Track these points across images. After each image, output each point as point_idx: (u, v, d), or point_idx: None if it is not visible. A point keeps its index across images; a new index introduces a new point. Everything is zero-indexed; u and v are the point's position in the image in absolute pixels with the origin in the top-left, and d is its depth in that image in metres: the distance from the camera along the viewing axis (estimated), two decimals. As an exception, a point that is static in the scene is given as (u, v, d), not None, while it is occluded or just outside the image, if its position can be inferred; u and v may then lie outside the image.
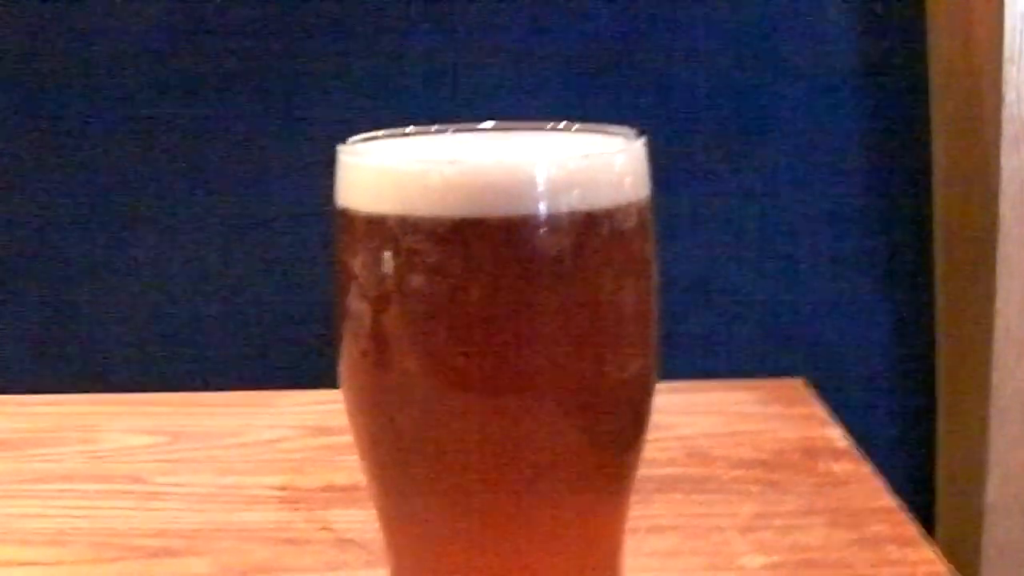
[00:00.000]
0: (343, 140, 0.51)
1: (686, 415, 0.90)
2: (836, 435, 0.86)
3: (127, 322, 1.12)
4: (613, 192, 0.48)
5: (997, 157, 1.00)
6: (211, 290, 1.11)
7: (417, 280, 0.46)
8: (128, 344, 1.12)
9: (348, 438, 0.54)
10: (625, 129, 0.51)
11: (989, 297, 1.01)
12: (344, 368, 0.51)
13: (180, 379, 1.10)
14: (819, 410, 0.91)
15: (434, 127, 0.53)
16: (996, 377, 1.02)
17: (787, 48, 1.09)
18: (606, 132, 0.52)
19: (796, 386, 0.96)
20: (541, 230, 0.46)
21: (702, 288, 1.11)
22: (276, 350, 1.12)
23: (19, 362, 1.13)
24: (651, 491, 0.76)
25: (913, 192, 1.11)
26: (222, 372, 1.11)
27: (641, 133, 0.51)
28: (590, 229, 0.47)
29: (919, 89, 1.10)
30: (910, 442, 1.14)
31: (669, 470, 0.80)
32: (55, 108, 1.10)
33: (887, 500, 0.76)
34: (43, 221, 1.11)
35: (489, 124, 0.54)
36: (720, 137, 1.10)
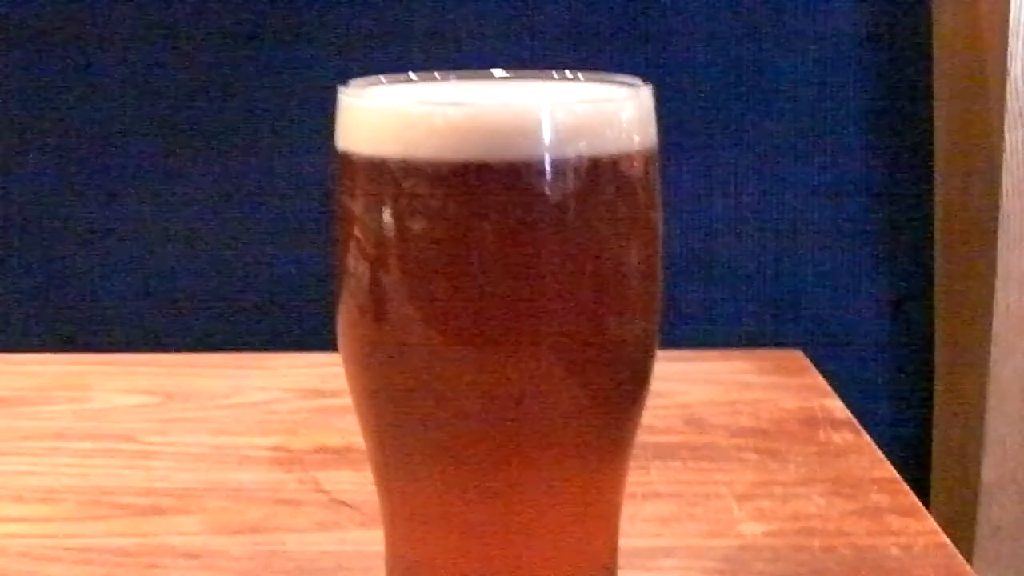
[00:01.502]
0: (333, 103, 0.50)
1: (685, 383, 0.89)
2: (836, 406, 0.86)
3: (121, 284, 1.11)
4: (619, 139, 0.47)
5: (1000, 131, 0.99)
6: (205, 252, 1.11)
7: (418, 225, 0.45)
8: (122, 306, 1.11)
9: (342, 400, 0.53)
10: (632, 78, 0.50)
11: (989, 272, 1.01)
12: (341, 320, 0.50)
13: (174, 341, 1.09)
14: (818, 381, 0.91)
15: (437, 73, 0.52)
16: (995, 353, 1.02)
17: (789, 19, 1.08)
18: (613, 81, 0.51)
19: (795, 357, 0.96)
20: (546, 175, 0.45)
21: (701, 259, 1.11)
22: (271, 313, 1.11)
23: (12, 322, 1.12)
24: (649, 458, 0.75)
25: (914, 165, 1.10)
26: (216, 334, 1.10)
27: (647, 83, 0.50)
28: (595, 176, 0.46)
29: (922, 61, 1.09)
30: (907, 417, 1.14)
31: (667, 437, 0.80)
32: (47, 68, 1.09)
33: (887, 470, 0.75)
34: (37, 182, 1.10)
35: (495, 71, 0.53)
36: (721, 108, 1.10)
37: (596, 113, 0.47)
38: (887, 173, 1.10)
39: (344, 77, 0.50)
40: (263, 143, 1.09)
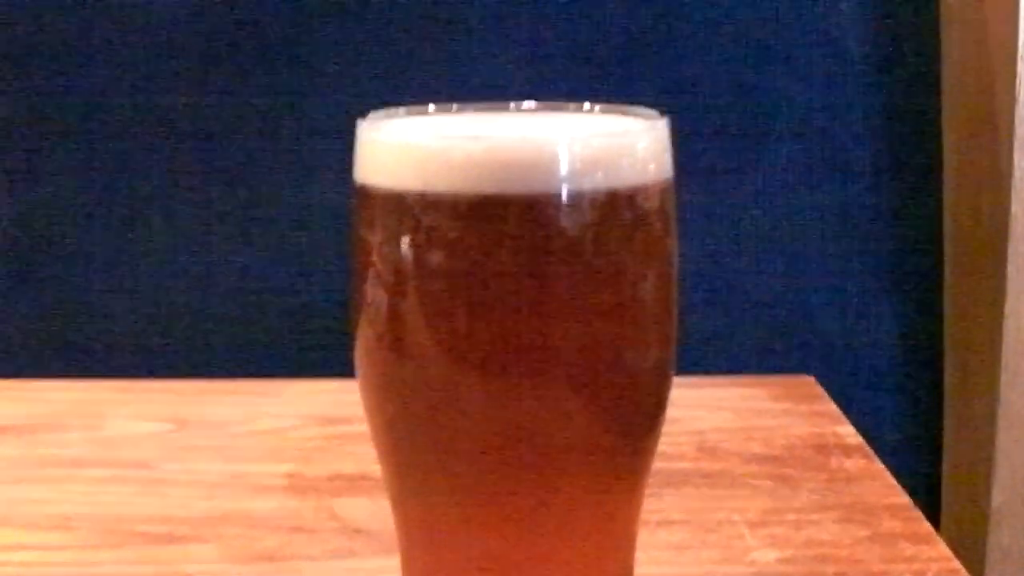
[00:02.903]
0: (353, 128, 0.50)
1: (696, 410, 0.89)
2: (848, 432, 0.86)
3: (136, 310, 1.11)
4: (636, 172, 0.47)
5: (1009, 155, 0.99)
6: (220, 278, 1.11)
7: (436, 258, 0.45)
8: (136, 332, 1.12)
9: (357, 427, 0.53)
10: (648, 110, 0.50)
11: (999, 297, 1.01)
12: (359, 349, 0.50)
13: (188, 368, 1.10)
14: (830, 407, 0.91)
15: (455, 105, 0.52)
16: (1004, 378, 1.02)
17: (797, 43, 1.09)
18: (629, 112, 0.52)
19: (807, 383, 0.96)
20: (563, 208, 0.45)
21: (709, 285, 1.11)
22: (286, 340, 1.11)
23: (28, 348, 1.12)
24: (662, 485, 0.76)
25: (923, 190, 1.10)
26: (230, 361, 1.11)
27: (664, 114, 0.50)
28: (612, 208, 0.46)
29: (930, 85, 1.09)
30: (916, 442, 1.14)
31: (680, 464, 0.80)
32: (64, 94, 1.09)
33: (900, 497, 0.75)
34: (53, 208, 1.11)
35: (512, 103, 0.53)
36: (728, 132, 1.10)
37: (613, 146, 0.47)
38: (896, 198, 1.11)
39: (359, 105, 0.51)
40: (279, 171, 1.10)
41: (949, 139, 1.09)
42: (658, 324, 0.50)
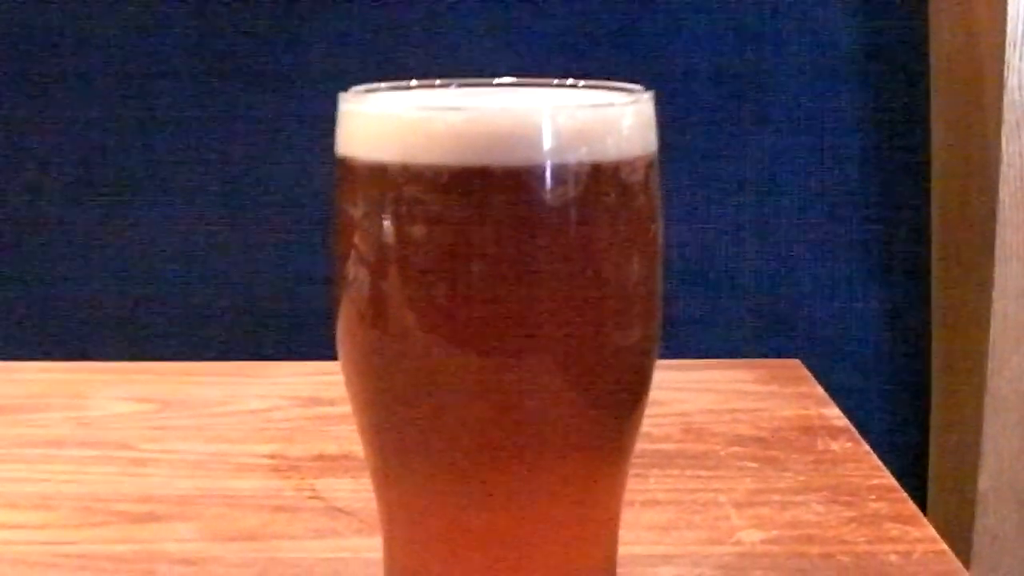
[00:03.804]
0: (334, 114, 0.50)
1: (683, 392, 0.89)
2: (834, 414, 0.86)
3: (117, 291, 1.11)
4: (620, 145, 0.47)
5: (997, 143, 0.99)
6: (204, 259, 1.10)
7: (418, 231, 0.45)
8: (118, 313, 1.11)
9: (340, 409, 0.53)
10: (633, 85, 0.50)
11: (986, 284, 1.01)
12: (341, 327, 0.50)
13: (171, 350, 1.09)
14: (816, 390, 0.90)
15: (438, 80, 0.52)
16: (991, 364, 1.02)
17: (786, 31, 1.09)
18: (614, 87, 0.51)
19: (794, 366, 0.96)
20: (546, 181, 0.44)
21: (698, 270, 1.11)
22: (268, 321, 1.11)
23: (8, 329, 1.12)
24: (647, 466, 0.75)
25: (912, 177, 1.11)
26: (213, 341, 1.10)
27: (648, 89, 0.49)
28: (596, 182, 0.46)
29: (919, 73, 1.09)
30: (903, 428, 1.14)
31: (665, 445, 0.79)
32: (47, 76, 1.09)
33: (886, 478, 0.75)
34: (36, 189, 1.10)
35: (495, 78, 0.53)
36: (718, 120, 1.10)
37: (597, 119, 0.47)
38: (884, 184, 1.11)
39: (343, 83, 0.50)
40: (260, 150, 1.09)
41: (937, 126, 1.09)
42: (642, 300, 0.49)
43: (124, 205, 1.10)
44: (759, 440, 0.81)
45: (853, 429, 0.82)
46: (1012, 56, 0.98)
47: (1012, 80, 0.99)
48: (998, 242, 1.01)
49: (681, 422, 0.83)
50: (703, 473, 0.76)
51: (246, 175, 1.09)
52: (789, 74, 1.09)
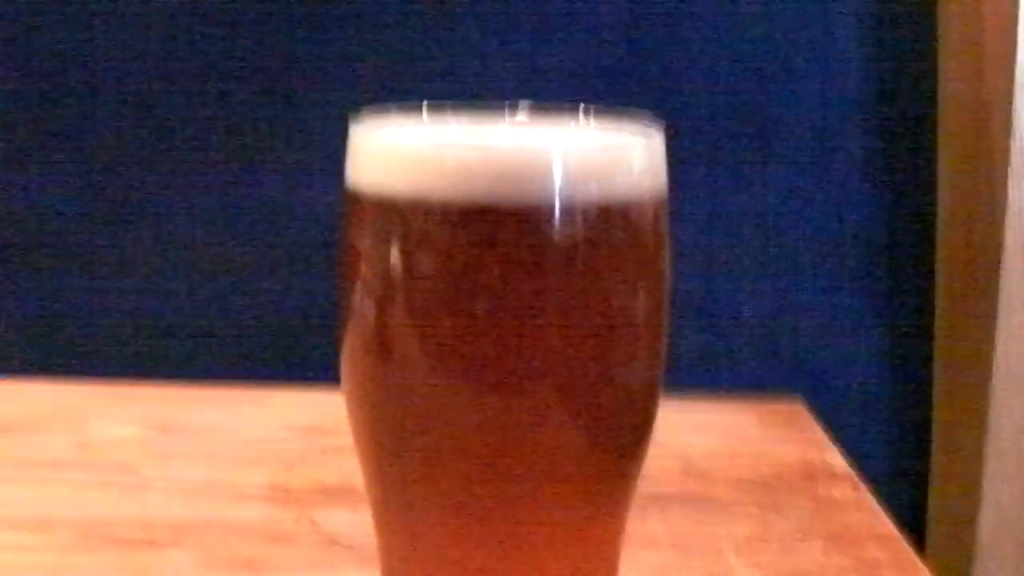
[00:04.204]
0: (346, 133, 0.50)
1: (684, 432, 0.89)
2: (836, 459, 0.85)
3: (122, 313, 1.11)
4: (631, 186, 0.47)
5: (1004, 186, 0.99)
6: (208, 283, 1.10)
7: (425, 265, 0.45)
8: (124, 335, 1.11)
9: (341, 440, 0.52)
10: (643, 118, 0.50)
11: (989, 328, 1.01)
12: (346, 355, 0.50)
13: (173, 372, 1.09)
14: (819, 434, 0.90)
15: (449, 109, 0.52)
16: (993, 410, 1.01)
17: (796, 68, 1.09)
18: (625, 122, 0.51)
19: (797, 408, 0.95)
20: (555, 220, 0.44)
21: (701, 304, 1.11)
22: (273, 346, 1.11)
23: (10, 349, 1.11)
24: (647, 507, 0.75)
25: (917, 217, 1.10)
26: (216, 366, 1.10)
27: (660, 124, 0.49)
28: (605, 222, 0.46)
29: (927, 115, 1.09)
30: (903, 471, 1.13)
31: (666, 487, 0.79)
32: (55, 97, 1.09)
33: (886, 526, 0.75)
34: (40, 208, 1.10)
35: (508, 109, 0.53)
36: (725, 154, 1.09)
37: (608, 158, 0.46)
38: (889, 224, 1.10)
39: (355, 105, 0.50)
40: (270, 174, 1.09)
41: (944, 169, 1.09)
42: (648, 340, 0.49)
43: (128, 225, 1.10)
44: (760, 484, 0.81)
45: (855, 475, 0.82)
46: (1020, 100, 0.98)
47: (1020, 124, 0.98)
48: (1002, 288, 1.00)
49: (682, 463, 0.83)
50: (703, 516, 0.75)
51: (252, 198, 1.09)
52: (797, 112, 1.09)
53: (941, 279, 1.10)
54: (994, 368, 1.01)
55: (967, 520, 1.05)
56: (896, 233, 1.10)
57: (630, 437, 0.51)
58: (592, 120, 0.52)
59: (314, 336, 1.08)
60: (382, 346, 0.47)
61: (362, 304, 0.47)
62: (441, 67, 1.08)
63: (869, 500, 0.78)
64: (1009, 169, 0.99)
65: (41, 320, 1.11)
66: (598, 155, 0.46)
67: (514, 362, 0.45)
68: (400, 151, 0.46)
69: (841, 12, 1.08)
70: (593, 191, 0.45)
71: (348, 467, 0.53)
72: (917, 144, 1.10)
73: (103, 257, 1.10)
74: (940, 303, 1.10)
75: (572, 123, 0.52)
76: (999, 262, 1.00)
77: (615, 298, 0.47)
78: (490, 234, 0.44)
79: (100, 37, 1.08)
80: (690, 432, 0.89)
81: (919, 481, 1.13)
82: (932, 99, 1.09)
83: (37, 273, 1.11)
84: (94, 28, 1.08)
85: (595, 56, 1.08)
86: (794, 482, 0.81)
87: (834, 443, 0.88)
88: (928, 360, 1.12)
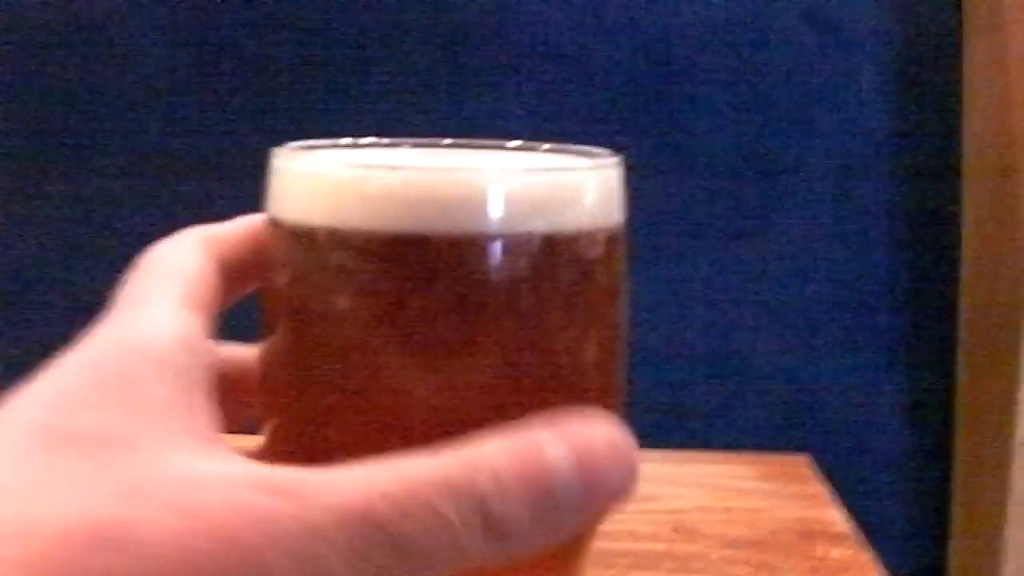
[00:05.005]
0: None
1: (678, 487, 0.84)
2: (837, 518, 0.81)
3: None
4: (580, 216, 0.42)
5: None
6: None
7: (345, 303, 0.40)
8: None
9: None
10: (600, 150, 0.45)
11: (1013, 385, 0.99)
12: (264, 388, 0.45)
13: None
14: (821, 490, 0.86)
15: (387, 140, 0.47)
16: (1016, 469, 0.98)
17: (815, 112, 1.07)
18: (578, 153, 0.46)
19: (799, 463, 0.91)
20: (492, 253, 0.40)
21: (714, 359, 1.08)
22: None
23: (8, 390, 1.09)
24: (628, 567, 0.70)
25: (939, 272, 1.08)
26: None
27: (618, 153, 0.45)
28: (550, 256, 0.41)
29: (951, 162, 1.06)
30: (922, 532, 1.11)
31: (651, 545, 0.74)
32: (54, 135, 1.08)
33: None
34: (39, 251, 1.08)
35: (451, 139, 0.48)
36: (742, 202, 1.07)
37: (554, 185, 0.42)
38: (911, 275, 1.08)
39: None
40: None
41: (968, 214, 1.06)
42: (599, 383, 0.44)
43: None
44: (754, 543, 0.76)
45: (856, 534, 0.78)
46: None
47: None
48: None
49: (673, 520, 0.78)
50: (690, 576, 0.71)
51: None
52: (818, 158, 1.07)
53: (964, 332, 1.07)
54: (1016, 424, 0.98)
55: None
56: (917, 284, 1.08)
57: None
58: (542, 152, 0.47)
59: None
60: (301, 388, 0.43)
61: (279, 344, 0.43)
62: (448, 107, 1.06)
63: (871, 561, 0.74)
64: None
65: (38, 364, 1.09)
66: (542, 180, 0.42)
67: (443, 411, 0.41)
68: (319, 175, 0.42)
69: (863, 54, 1.06)
70: (537, 222, 0.41)
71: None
72: (940, 191, 1.07)
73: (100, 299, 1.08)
74: (963, 356, 1.07)
75: (520, 152, 0.48)
76: (1022, 316, 0.96)
77: (560, 340, 0.42)
78: (418, 268, 0.40)
79: (95, 81, 1.06)
80: (684, 486, 0.85)
81: (939, 541, 1.09)
82: (956, 144, 1.06)
83: (33, 317, 1.09)
84: (88, 71, 1.06)
85: (610, 98, 1.06)
86: (791, 541, 0.76)
87: (840, 501, 0.84)
88: (948, 417, 1.09)
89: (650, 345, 1.08)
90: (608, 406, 0.45)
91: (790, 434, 1.09)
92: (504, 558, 0.34)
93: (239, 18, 1.05)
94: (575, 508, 0.34)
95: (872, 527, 0.80)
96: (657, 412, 1.08)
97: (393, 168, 0.40)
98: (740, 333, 1.09)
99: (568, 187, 0.42)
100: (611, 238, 0.44)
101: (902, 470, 1.10)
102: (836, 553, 0.75)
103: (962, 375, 1.08)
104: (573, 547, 0.47)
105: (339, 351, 0.41)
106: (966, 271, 1.07)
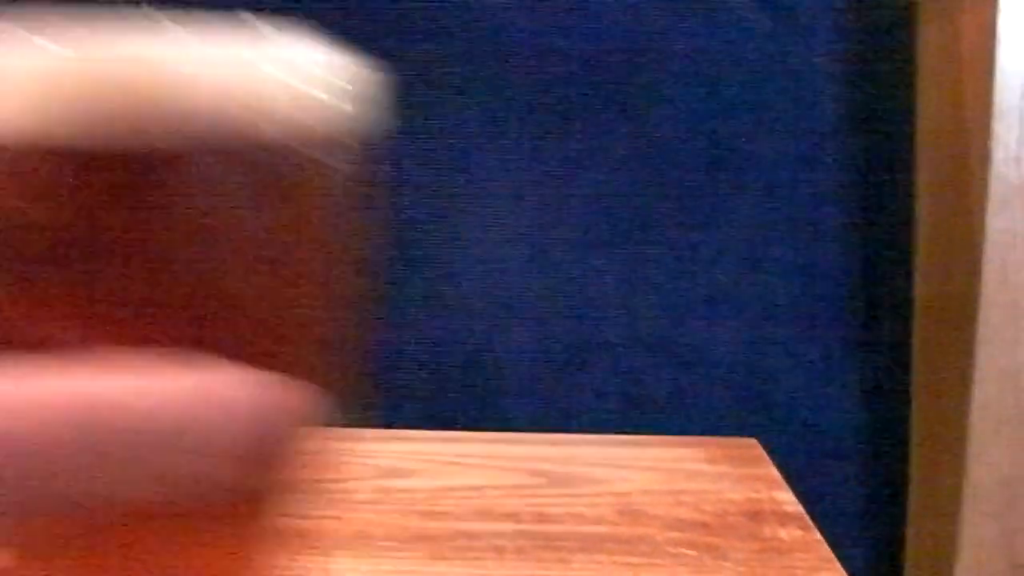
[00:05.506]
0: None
1: (626, 470, 0.83)
2: (786, 499, 0.80)
3: None
4: (291, 118, 0.34)
5: (982, 219, 0.96)
6: None
7: (15, 216, 0.32)
8: None
9: None
10: (343, 49, 0.37)
11: (968, 366, 0.97)
12: None
13: None
14: (771, 472, 0.85)
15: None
16: (972, 449, 0.98)
17: (770, 99, 1.05)
18: (310, 46, 0.37)
19: (750, 445, 0.90)
20: (182, 157, 0.32)
21: (669, 347, 1.07)
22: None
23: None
24: (572, 550, 0.69)
25: (894, 253, 1.07)
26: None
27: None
28: (252, 162, 0.33)
29: (905, 146, 1.06)
30: (878, 517, 1.10)
31: (595, 528, 0.74)
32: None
33: (836, 571, 0.70)
34: None
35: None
36: (695, 191, 1.06)
37: (257, 79, 0.34)
38: (866, 259, 1.07)
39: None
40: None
41: (922, 199, 1.06)
42: (302, 324, 0.37)
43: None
44: (701, 525, 0.75)
45: (805, 515, 0.77)
46: (999, 129, 0.95)
47: (999, 154, 0.96)
48: (980, 323, 0.97)
49: (616, 503, 0.78)
50: (633, 560, 0.70)
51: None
52: (772, 146, 1.06)
53: (919, 316, 1.07)
54: (972, 407, 0.97)
55: (944, 563, 1.01)
56: (871, 271, 1.07)
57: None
58: (263, 40, 0.36)
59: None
60: None
61: None
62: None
63: (819, 542, 0.73)
64: (988, 200, 0.95)
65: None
66: (245, 73, 0.33)
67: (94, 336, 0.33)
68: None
69: (817, 41, 1.05)
70: (237, 122, 0.33)
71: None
72: (894, 174, 1.06)
73: None
74: (918, 339, 1.07)
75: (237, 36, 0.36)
76: (978, 295, 0.97)
77: (252, 267, 0.35)
78: (83, 174, 0.32)
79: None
80: (632, 469, 0.84)
81: (895, 529, 1.10)
82: (910, 128, 1.05)
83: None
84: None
85: (562, 87, 1.05)
86: (739, 522, 0.76)
87: (795, 486, 0.83)
88: (904, 402, 1.08)
89: (605, 333, 1.08)
90: (310, 338, 0.38)
91: (745, 421, 1.09)
92: None
93: None
94: None
95: (828, 512, 0.80)
96: (612, 399, 1.08)
97: (60, 52, 0.32)
98: (695, 321, 1.08)
99: (272, 83, 0.34)
100: (329, 146, 0.36)
101: (858, 456, 1.10)
102: (784, 534, 0.74)
103: (917, 361, 1.08)
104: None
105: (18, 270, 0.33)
106: (920, 258, 1.07)
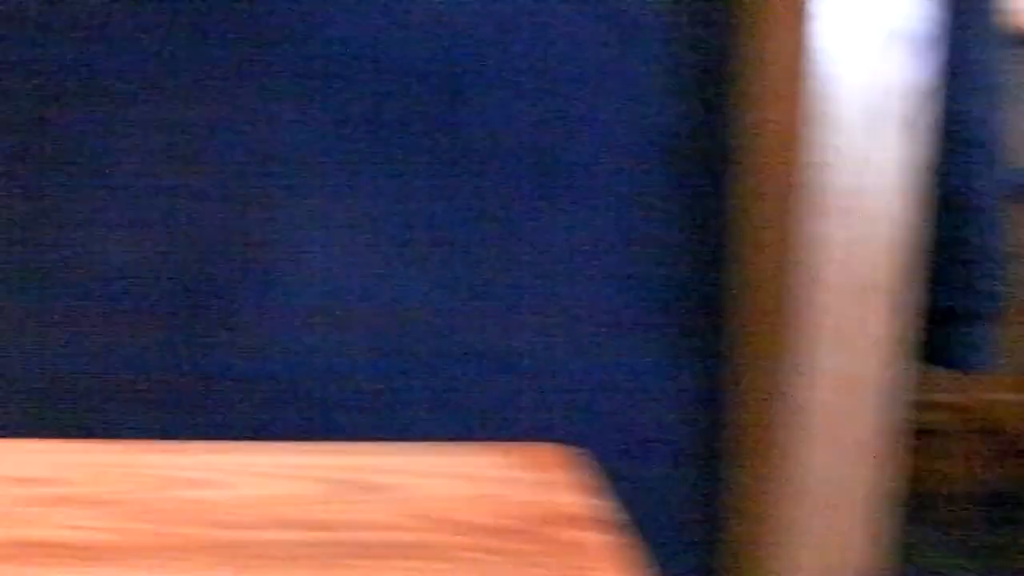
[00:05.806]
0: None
1: (422, 477, 0.82)
2: (586, 503, 0.80)
3: None
4: None
5: (797, 224, 0.97)
6: None
7: None
8: None
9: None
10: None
11: (784, 371, 1.00)
12: None
13: None
14: (578, 477, 0.85)
15: None
16: (790, 456, 1.00)
17: (593, 111, 1.06)
18: None
19: (553, 451, 0.90)
20: None
21: (491, 357, 1.07)
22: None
23: None
24: (357, 556, 0.68)
25: (715, 267, 1.08)
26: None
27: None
28: None
29: (726, 154, 1.06)
30: (700, 522, 1.10)
31: (385, 534, 0.72)
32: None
33: (627, 571, 0.69)
34: None
35: None
36: (522, 198, 1.06)
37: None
38: (687, 273, 1.08)
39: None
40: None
41: (742, 208, 1.07)
42: None
43: None
44: (496, 529, 0.75)
45: (611, 520, 0.77)
46: (811, 136, 0.96)
47: (812, 160, 0.97)
48: (795, 328, 0.98)
49: (410, 509, 0.76)
50: (424, 564, 0.69)
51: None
52: (596, 153, 1.07)
53: (738, 323, 1.09)
54: (789, 417, 0.99)
55: (765, 563, 1.03)
56: (693, 280, 1.09)
57: None
58: None
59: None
60: None
61: None
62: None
63: (615, 544, 0.73)
64: (800, 207, 0.97)
65: None
66: None
67: None
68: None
69: (641, 52, 1.06)
70: None
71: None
72: (711, 182, 1.08)
73: None
74: (738, 347, 1.09)
75: None
76: (796, 300, 0.97)
77: None
78: None
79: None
80: (427, 476, 0.82)
81: (714, 530, 1.11)
82: (731, 139, 1.07)
83: None
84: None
85: (390, 94, 1.05)
86: (535, 527, 0.75)
87: (609, 492, 0.83)
88: (728, 406, 1.10)
89: (426, 342, 1.07)
90: None
91: (568, 430, 1.09)
92: None
93: None
94: None
95: (651, 518, 0.79)
96: (433, 409, 1.07)
97: None
98: (517, 331, 1.08)
99: None
100: None
101: (678, 465, 1.11)
102: (581, 537, 0.74)
103: (737, 367, 1.09)
104: None
105: None
106: (740, 267, 1.08)
